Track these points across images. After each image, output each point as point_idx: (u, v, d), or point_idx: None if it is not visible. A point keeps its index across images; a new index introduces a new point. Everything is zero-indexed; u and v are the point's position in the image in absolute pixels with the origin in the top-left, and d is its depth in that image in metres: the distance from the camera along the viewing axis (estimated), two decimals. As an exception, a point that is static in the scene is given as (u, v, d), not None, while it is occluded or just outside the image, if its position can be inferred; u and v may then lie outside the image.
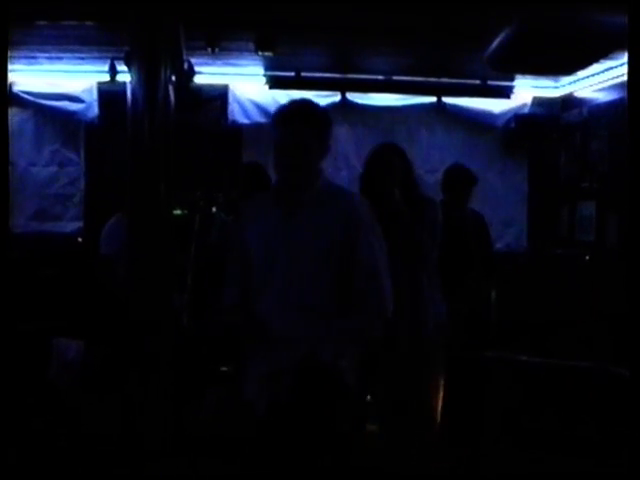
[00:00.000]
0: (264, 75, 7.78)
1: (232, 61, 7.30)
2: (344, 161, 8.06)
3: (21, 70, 7.52)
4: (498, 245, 7.26)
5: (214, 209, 6.09)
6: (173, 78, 4.65)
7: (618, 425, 4.61)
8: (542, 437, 5.09)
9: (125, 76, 6.08)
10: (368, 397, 5.17)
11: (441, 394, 4.57)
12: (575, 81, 7.66)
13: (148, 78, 4.28)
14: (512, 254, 7.92)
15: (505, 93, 8.10)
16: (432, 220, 4.55)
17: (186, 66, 6.26)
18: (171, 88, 4.47)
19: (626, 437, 3.09)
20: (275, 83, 7.84)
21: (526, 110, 8.22)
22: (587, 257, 6.94)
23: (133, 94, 4.32)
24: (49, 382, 6.24)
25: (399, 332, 4.55)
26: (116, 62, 6.67)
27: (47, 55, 7.13)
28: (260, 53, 6.45)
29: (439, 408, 4.56)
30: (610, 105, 7.19)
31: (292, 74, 7.75)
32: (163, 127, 4.28)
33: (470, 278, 5.68)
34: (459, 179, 6.04)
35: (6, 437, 3.53)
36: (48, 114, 7.86)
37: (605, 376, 4.87)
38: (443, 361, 4.58)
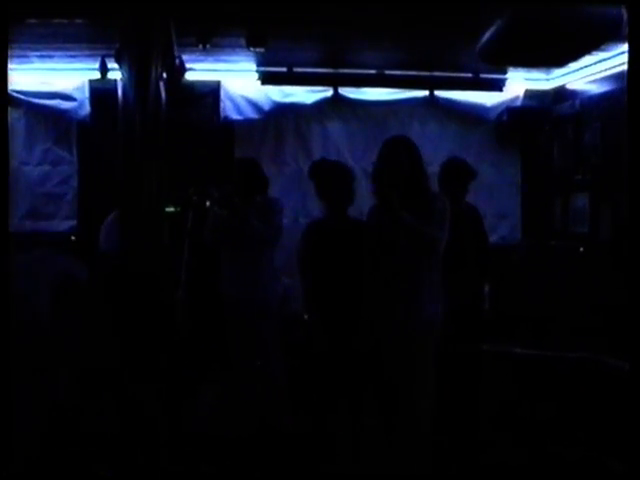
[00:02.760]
0: (256, 71, 7.76)
1: (224, 57, 7.27)
2: (336, 156, 8.02)
3: (13, 69, 7.47)
4: (492, 238, 7.24)
5: (208, 203, 6.09)
6: (164, 75, 4.63)
7: (612, 415, 4.62)
8: (538, 429, 5.10)
9: (117, 73, 6.07)
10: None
11: (431, 390, 4.58)
12: (567, 73, 7.65)
13: (138, 75, 4.25)
14: (506, 247, 7.92)
15: (497, 86, 8.09)
16: (441, 212, 4.60)
17: (177, 63, 6.23)
18: (162, 85, 4.45)
19: (623, 427, 3.09)
20: (267, 79, 7.83)
21: (518, 103, 8.20)
22: (581, 249, 6.94)
23: (124, 91, 4.30)
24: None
25: (392, 327, 4.58)
26: (107, 59, 6.65)
27: (38, 53, 7.09)
28: (252, 49, 6.43)
29: (429, 403, 4.57)
30: (603, 97, 7.18)
31: (284, 70, 7.74)
32: (154, 124, 4.27)
33: (464, 273, 5.69)
34: (458, 173, 6.04)
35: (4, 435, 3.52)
36: (40, 113, 7.84)
37: (599, 367, 4.87)
38: (432, 356, 4.59)
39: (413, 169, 4.65)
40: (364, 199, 5.41)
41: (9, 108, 7.70)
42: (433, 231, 4.50)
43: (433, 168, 6.36)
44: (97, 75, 6.98)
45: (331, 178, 5.37)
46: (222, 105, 7.93)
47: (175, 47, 5.81)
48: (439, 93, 8.13)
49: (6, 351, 2.82)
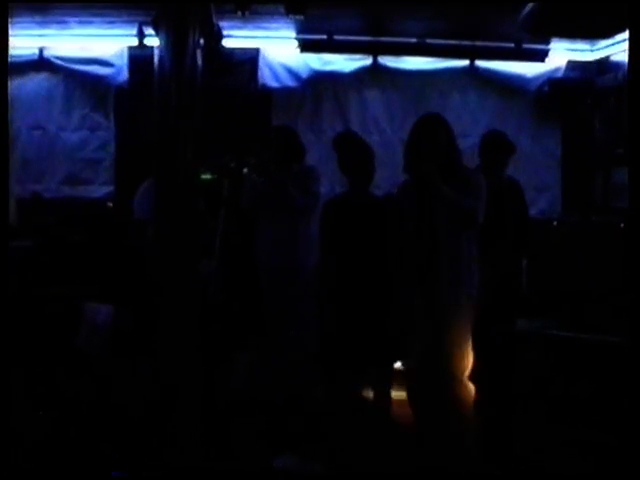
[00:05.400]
0: (296, 38, 7.71)
1: (263, 25, 7.24)
2: (374, 125, 7.98)
3: (52, 35, 7.52)
4: (531, 211, 7.14)
5: (245, 170, 6.07)
6: (202, 42, 4.59)
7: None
8: (571, 410, 5.04)
9: (154, 40, 6.06)
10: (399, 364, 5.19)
11: (467, 365, 4.58)
12: (612, 44, 7.47)
13: (175, 42, 4.21)
14: (545, 220, 7.80)
15: (540, 56, 7.94)
16: (477, 187, 4.62)
17: (215, 30, 6.21)
18: (199, 52, 4.42)
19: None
20: (307, 46, 7.77)
21: (560, 74, 8.05)
22: (622, 224, 6.81)
23: (160, 58, 4.27)
24: (78, 348, 6.27)
25: (434, 299, 4.57)
26: (144, 26, 6.63)
27: (77, 19, 7.10)
28: (291, 16, 6.38)
29: (464, 377, 4.58)
30: (647, 69, 7.02)
31: (324, 37, 7.66)
32: (190, 91, 4.24)
33: (503, 246, 5.63)
34: (496, 146, 5.94)
35: (37, 403, 3.55)
36: (78, 78, 7.84)
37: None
38: (470, 331, 4.59)
39: (450, 147, 4.66)
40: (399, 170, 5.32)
41: (47, 74, 7.78)
42: (471, 203, 4.54)
43: (473, 139, 6.30)
44: (135, 41, 6.99)
45: (352, 154, 5.28)
46: (260, 73, 7.89)
47: (213, 14, 5.77)
48: (479, 63, 8.00)
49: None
